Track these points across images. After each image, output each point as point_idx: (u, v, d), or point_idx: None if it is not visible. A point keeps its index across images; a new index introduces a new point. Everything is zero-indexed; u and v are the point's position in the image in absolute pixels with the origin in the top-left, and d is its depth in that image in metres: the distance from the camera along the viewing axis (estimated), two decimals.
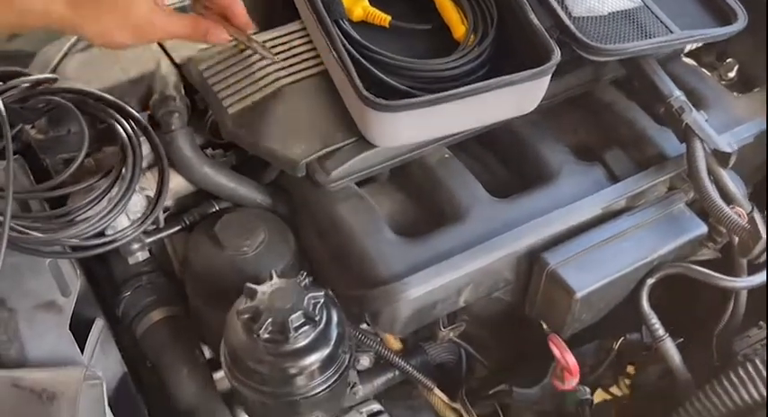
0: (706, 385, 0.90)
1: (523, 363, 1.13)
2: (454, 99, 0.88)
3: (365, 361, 1.02)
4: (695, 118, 0.97)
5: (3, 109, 0.88)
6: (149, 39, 0.91)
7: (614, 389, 1.11)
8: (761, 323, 1.05)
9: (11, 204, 0.85)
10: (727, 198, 0.95)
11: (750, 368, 0.85)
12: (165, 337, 1.02)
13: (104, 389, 0.83)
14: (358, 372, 1.07)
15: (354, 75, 0.88)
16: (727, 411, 0.88)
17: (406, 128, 0.91)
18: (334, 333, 0.86)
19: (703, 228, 0.98)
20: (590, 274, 0.92)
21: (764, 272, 0.94)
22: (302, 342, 0.84)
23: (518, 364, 1.14)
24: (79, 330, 0.93)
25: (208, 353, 1.06)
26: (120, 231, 0.96)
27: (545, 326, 1.03)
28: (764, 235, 0.88)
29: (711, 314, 1.04)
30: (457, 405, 1.12)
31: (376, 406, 1.10)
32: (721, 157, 0.96)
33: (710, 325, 1.04)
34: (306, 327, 0.83)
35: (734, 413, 0.88)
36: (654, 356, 1.05)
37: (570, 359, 0.90)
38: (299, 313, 0.82)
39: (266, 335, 0.83)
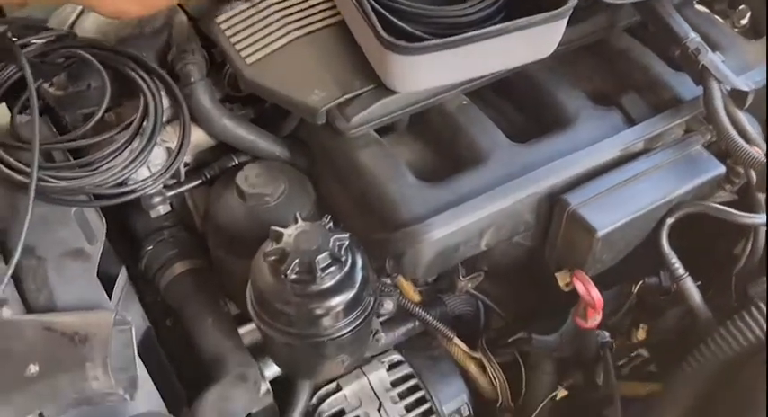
0: (728, 320, 0.91)
1: (539, 315, 1.14)
2: (473, 42, 0.89)
3: (389, 305, 1.03)
4: (711, 58, 0.97)
5: (25, 62, 0.89)
6: (157, 7, 0.93)
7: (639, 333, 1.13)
8: None
9: (37, 153, 0.86)
10: (745, 138, 0.95)
11: None
12: (189, 288, 1.03)
13: (133, 333, 0.84)
14: (380, 322, 1.08)
15: (374, 19, 0.88)
16: (749, 346, 0.89)
17: (425, 73, 0.92)
18: (359, 276, 0.87)
19: (721, 168, 0.98)
20: (610, 214, 0.93)
21: None
22: (328, 283, 0.85)
23: (534, 316, 1.15)
24: (102, 285, 0.94)
25: (232, 309, 1.07)
26: (141, 181, 0.97)
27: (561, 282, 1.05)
28: None
29: (729, 256, 1.05)
30: (477, 355, 1.13)
31: (396, 356, 1.11)
32: (738, 98, 0.97)
33: (729, 267, 1.05)
34: (332, 268, 0.84)
35: (757, 348, 0.89)
36: (672, 300, 1.07)
37: (595, 294, 0.91)
38: (326, 254, 0.83)
39: (293, 276, 0.83)
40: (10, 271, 0.83)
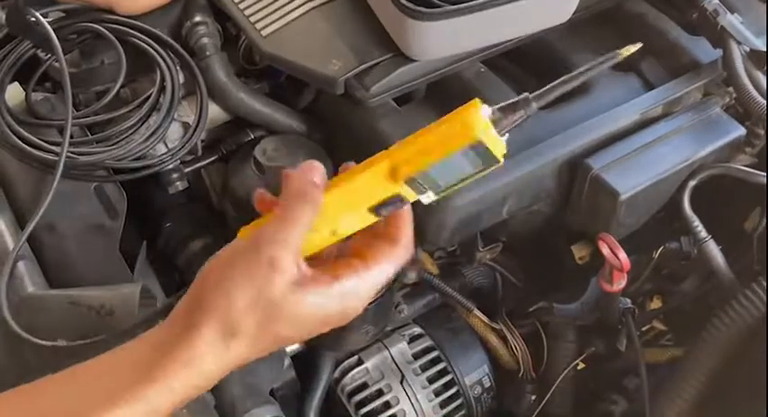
0: (753, 282, 0.90)
1: (559, 284, 1.14)
2: (491, 7, 0.88)
3: (412, 275, 1.03)
4: (730, 20, 0.97)
5: (53, 34, 0.88)
6: None
7: (652, 303, 1.13)
8: None
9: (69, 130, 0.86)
10: (764, 98, 0.95)
11: None
12: None
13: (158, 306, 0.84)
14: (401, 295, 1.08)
15: None
16: None
17: (443, 39, 0.91)
18: None
19: (741, 130, 0.98)
20: (633, 177, 0.93)
21: None
22: None
23: (553, 286, 1.15)
24: None
25: None
26: (159, 156, 0.96)
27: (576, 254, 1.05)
28: None
29: (751, 219, 1.04)
30: (497, 326, 1.13)
31: (417, 329, 1.10)
32: (756, 58, 0.97)
33: (750, 231, 1.05)
34: None
35: None
36: (692, 266, 1.06)
37: (622, 256, 0.90)
38: None
39: None
40: (25, 236, 0.82)
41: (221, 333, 0.57)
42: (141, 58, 0.99)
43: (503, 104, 0.59)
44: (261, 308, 0.57)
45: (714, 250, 0.96)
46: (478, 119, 0.57)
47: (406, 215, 0.64)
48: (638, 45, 0.63)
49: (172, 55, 0.98)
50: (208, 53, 0.99)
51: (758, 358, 0.89)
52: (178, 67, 0.98)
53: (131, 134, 0.94)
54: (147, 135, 0.94)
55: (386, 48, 0.94)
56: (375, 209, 0.61)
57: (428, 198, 0.60)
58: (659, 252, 1.03)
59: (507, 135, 0.59)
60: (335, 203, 0.61)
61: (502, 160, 0.58)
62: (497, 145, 0.58)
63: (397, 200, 0.60)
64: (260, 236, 0.59)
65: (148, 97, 0.96)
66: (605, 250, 0.91)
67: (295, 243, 0.59)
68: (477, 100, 0.58)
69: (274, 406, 0.90)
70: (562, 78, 0.61)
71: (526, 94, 0.59)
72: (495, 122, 0.58)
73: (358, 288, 0.61)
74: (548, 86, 0.60)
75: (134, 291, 0.83)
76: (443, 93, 1.01)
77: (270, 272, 0.57)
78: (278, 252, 0.57)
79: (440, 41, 0.91)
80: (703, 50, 1.03)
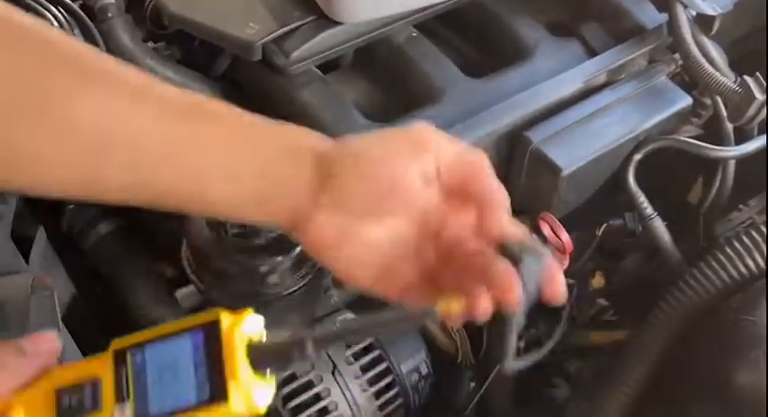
0: (700, 261, 0.86)
1: None
2: None
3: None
4: None
5: None
6: None
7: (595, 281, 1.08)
8: (741, 206, 1.02)
9: None
10: (712, 66, 0.90)
11: (753, 235, 0.81)
12: (118, 250, 0.94)
13: (56, 298, 0.75)
14: (331, 278, 1.01)
15: None
16: (723, 285, 0.85)
17: (370, 0, 0.84)
18: None
19: (688, 100, 0.93)
20: (575, 151, 0.87)
21: (756, 139, 0.90)
22: (274, 236, 0.77)
23: None
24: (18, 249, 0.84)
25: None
26: None
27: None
28: (759, 96, 0.83)
29: (694, 191, 1.01)
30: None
31: (349, 315, 1.04)
32: (704, 24, 0.92)
33: (695, 208, 1.01)
34: None
35: (731, 288, 0.85)
36: (636, 243, 1.02)
37: (565, 237, 0.85)
38: None
39: (234, 230, 0.76)
40: None
41: None
42: None
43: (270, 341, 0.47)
44: None
45: (660, 227, 0.91)
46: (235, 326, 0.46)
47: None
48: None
49: (67, 15, 0.88)
50: (110, 15, 0.89)
51: (706, 341, 0.85)
52: (76, 31, 0.88)
53: None
54: None
55: (308, 10, 0.87)
56: (59, 396, 0.47)
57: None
58: (602, 229, 0.98)
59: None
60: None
61: (239, 407, 0.45)
62: (236, 377, 0.45)
63: (88, 387, 0.47)
64: None
65: None
66: (546, 230, 0.85)
67: None
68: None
69: None
70: (349, 329, 0.53)
71: (306, 332, 0.47)
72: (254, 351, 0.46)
73: None
74: (332, 333, 0.50)
75: (26, 283, 0.74)
76: (372, 60, 0.94)
77: None
78: None
79: (366, 2, 0.84)
80: (648, 14, 0.97)
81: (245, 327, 0.46)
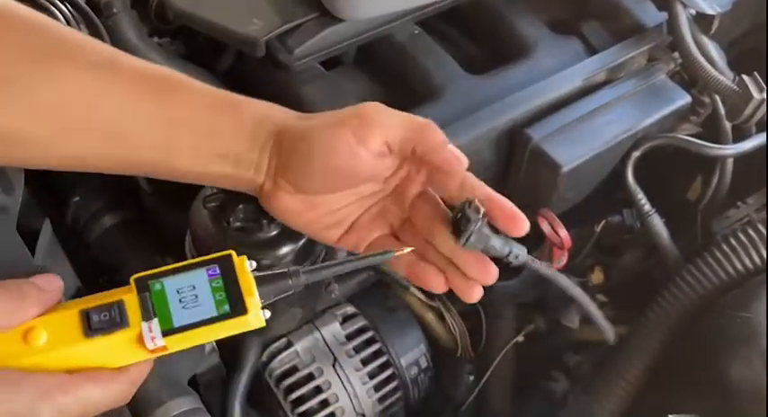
0: (698, 257, 0.87)
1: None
2: None
3: (342, 254, 0.96)
4: None
5: None
6: None
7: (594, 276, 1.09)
8: (738, 203, 1.03)
9: None
10: (711, 65, 0.91)
11: (750, 233, 0.82)
12: (122, 242, 0.95)
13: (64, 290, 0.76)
14: None
15: None
16: (720, 282, 0.86)
17: None
18: None
19: (687, 98, 0.94)
20: (575, 148, 0.88)
21: (754, 137, 0.91)
22: (276, 231, 0.77)
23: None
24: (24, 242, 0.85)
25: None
26: None
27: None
28: (757, 95, 0.84)
29: (693, 189, 1.01)
30: (434, 304, 1.08)
31: (350, 309, 1.04)
32: (703, 23, 0.93)
33: (693, 205, 1.02)
34: None
35: (728, 284, 0.86)
36: (634, 240, 1.03)
37: (563, 233, 0.86)
38: None
39: (237, 224, 0.76)
40: None
41: None
42: None
43: (268, 273, 0.56)
44: None
45: (659, 224, 0.93)
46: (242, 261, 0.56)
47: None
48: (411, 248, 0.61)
49: (72, 11, 0.89)
50: (115, 10, 0.90)
51: (702, 337, 0.86)
52: (82, 26, 0.89)
53: None
54: None
55: (311, 6, 0.87)
56: (86, 315, 0.53)
57: (150, 337, 0.52)
58: (601, 225, 0.99)
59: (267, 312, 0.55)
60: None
61: (254, 322, 0.54)
62: (252, 295, 0.54)
63: (114, 308, 0.53)
64: None
65: None
66: (545, 227, 0.86)
67: None
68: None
69: (192, 397, 0.83)
70: (337, 261, 0.61)
71: (297, 268, 0.57)
72: (257, 281, 0.55)
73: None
74: (319, 266, 0.59)
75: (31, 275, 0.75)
76: (374, 57, 0.95)
77: None
78: None
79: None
80: (648, 13, 0.98)
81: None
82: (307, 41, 0.86)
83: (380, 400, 1.01)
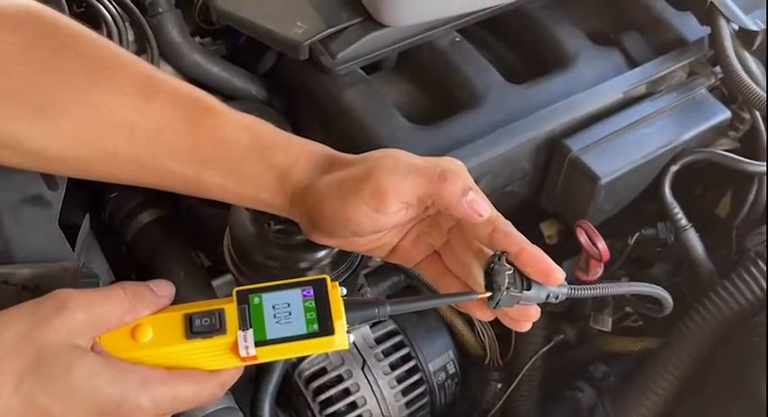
0: (733, 274, 0.87)
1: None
2: None
3: (377, 257, 0.97)
4: None
5: None
6: None
7: None
8: None
9: None
10: (752, 80, 0.90)
11: None
12: (158, 239, 0.95)
13: (100, 286, 0.77)
14: (364, 275, 1.02)
15: None
16: (756, 299, 0.86)
17: (416, 4, 0.86)
18: None
19: (727, 113, 0.93)
20: (614, 160, 0.87)
21: None
22: None
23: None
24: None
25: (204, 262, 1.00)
26: None
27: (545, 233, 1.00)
28: None
29: (723, 205, 1.01)
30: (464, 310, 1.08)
31: (356, 297, 1.05)
32: (745, 38, 0.92)
33: (724, 220, 1.01)
34: None
35: (763, 301, 0.86)
36: (666, 253, 1.02)
37: (602, 246, 0.85)
38: None
39: (277, 226, 0.77)
40: None
41: None
42: (87, 12, 0.90)
43: (357, 299, 0.60)
44: (28, 351, 0.52)
45: (694, 239, 0.92)
46: (335, 286, 0.59)
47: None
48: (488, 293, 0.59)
49: (120, 10, 0.90)
50: (160, 9, 0.91)
51: (738, 352, 0.86)
52: (127, 24, 0.90)
53: None
54: None
55: (355, 11, 0.88)
56: (189, 319, 0.57)
57: (244, 346, 0.56)
58: (634, 238, 0.99)
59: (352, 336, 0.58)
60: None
61: (339, 343, 0.57)
62: (341, 318, 0.57)
63: (215, 315, 0.57)
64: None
65: None
66: (583, 238, 0.86)
67: (103, 312, 0.55)
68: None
69: (226, 396, 0.83)
70: (420, 297, 0.67)
71: (383, 298, 0.60)
72: (346, 306, 0.58)
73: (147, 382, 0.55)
74: (403, 299, 0.61)
75: (74, 271, 0.76)
76: (415, 63, 0.95)
77: (54, 311, 0.53)
78: (74, 299, 0.54)
79: (413, 6, 0.86)
80: (689, 27, 0.98)
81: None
82: (349, 46, 0.87)
83: (408, 404, 1.02)
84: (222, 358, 0.57)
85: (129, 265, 0.99)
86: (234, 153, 0.62)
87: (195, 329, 0.56)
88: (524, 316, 0.61)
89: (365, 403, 0.98)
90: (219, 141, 0.61)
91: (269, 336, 0.56)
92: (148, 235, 0.96)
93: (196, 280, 0.92)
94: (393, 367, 1.01)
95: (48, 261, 0.79)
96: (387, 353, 1.01)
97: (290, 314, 0.57)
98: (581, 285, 0.63)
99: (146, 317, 0.57)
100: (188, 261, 0.93)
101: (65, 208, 0.87)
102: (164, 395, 0.55)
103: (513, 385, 1.03)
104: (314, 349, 0.57)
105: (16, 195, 0.82)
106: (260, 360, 0.57)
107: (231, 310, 0.57)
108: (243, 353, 0.56)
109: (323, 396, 0.97)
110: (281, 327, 0.56)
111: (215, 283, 0.95)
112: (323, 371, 0.99)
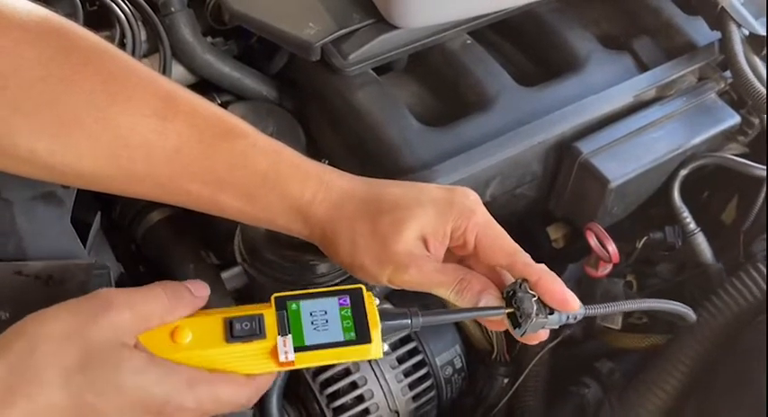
0: (741, 272, 0.87)
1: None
2: None
3: None
4: (731, 0, 0.92)
5: None
6: None
7: None
8: None
9: None
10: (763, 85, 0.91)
11: None
12: (168, 237, 0.96)
13: (112, 277, 0.77)
14: None
15: None
16: (763, 297, 0.86)
17: (428, 6, 0.86)
18: None
19: (736, 118, 0.94)
20: (623, 164, 0.88)
21: None
22: None
23: None
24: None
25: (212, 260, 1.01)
26: None
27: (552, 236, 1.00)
28: None
29: (729, 211, 1.01)
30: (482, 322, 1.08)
31: (388, 306, 1.05)
32: (755, 43, 0.93)
33: (736, 224, 1.01)
34: None
35: (756, 310, 0.86)
36: (674, 256, 1.02)
37: (611, 248, 0.86)
38: None
39: None
40: None
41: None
42: (99, 11, 0.91)
43: (391, 308, 0.62)
44: (75, 348, 0.53)
45: (703, 243, 0.92)
46: (370, 296, 0.60)
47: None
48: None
49: (133, 9, 0.90)
50: (173, 9, 0.91)
51: (746, 349, 0.86)
52: (140, 23, 0.91)
53: None
54: None
55: (367, 13, 0.88)
56: (230, 323, 0.58)
57: (284, 351, 0.57)
58: (642, 242, 0.99)
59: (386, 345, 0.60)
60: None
61: (375, 351, 0.59)
62: (377, 327, 0.59)
63: (255, 320, 0.58)
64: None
65: None
66: (592, 240, 0.86)
67: (145, 311, 0.56)
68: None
69: None
70: (452, 310, 0.67)
71: (417, 309, 0.62)
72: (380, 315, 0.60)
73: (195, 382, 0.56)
74: (436, 311, 0.64)
75: (86, 264, 0.76)
76: (426, 65, 0.95)
77: (101, 309, 0.54)
78: (118, 298, 0.54)
79: (425, 8, 0.86)
80: (700, 31, 0.98)
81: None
82: (361, 47, 0.87)
83: (414, 398, 1.02)
84: (260, 362, 0.58)
85: (139, 263, 1.00)
86: (248, 179, 0.62)
87: (236, 333, 0.57)
88: (536, 337, 0.64)
89: (372, 397, 0.98)
90: (235, 166, 0.62)
91: (307, 342, 0.57)
92: (158, 233, 0.96)
93: (206, 275, 0.93)
94: (400, 361, 1.01)
95: (60, 258, 0.80)
96: (394, 347, 1.01)
97: (327, 321, 0.58)
98: (596, 304, 0.66)
99: (184, 319, 0.58)
100: (197, 257, 0.94)
101: (76, 205, 0.87)
102: (207, 396, 0.56)
103: (519, 380, 1.03)
104: (350, 356, 0.58)
105: (29, 192, 0.82)
106: (296, 366, 0.58)
107: (270, 315, 0.58)
108: (282, 358, 0.57)
109: (330, 390, 0.97)
110: (319, 334, 0.58)
111: (225, 274, 0.95)
112: (330, 365, 1.00)
